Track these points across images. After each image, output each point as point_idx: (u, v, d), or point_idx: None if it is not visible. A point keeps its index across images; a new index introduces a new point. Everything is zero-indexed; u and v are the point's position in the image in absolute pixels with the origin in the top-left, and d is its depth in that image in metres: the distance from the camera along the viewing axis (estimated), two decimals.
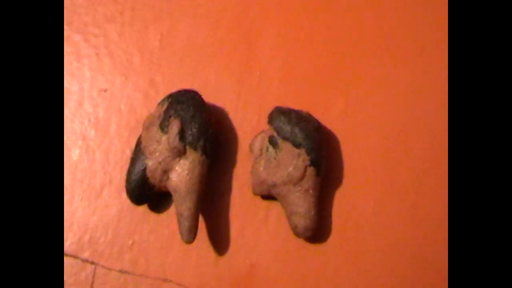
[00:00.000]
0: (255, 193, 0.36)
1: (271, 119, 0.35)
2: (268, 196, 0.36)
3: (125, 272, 0.36)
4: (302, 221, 0.34)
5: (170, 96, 0.35)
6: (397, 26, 0.40)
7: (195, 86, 0.37)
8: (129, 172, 0.35)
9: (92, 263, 0.36)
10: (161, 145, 0.34)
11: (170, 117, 0.34)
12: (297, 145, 0.34)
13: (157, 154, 0.34)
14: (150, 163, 0.34)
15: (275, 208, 0.36)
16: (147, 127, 0.35)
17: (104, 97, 0.39)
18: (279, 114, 0.35)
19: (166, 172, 0.34)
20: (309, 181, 0.34)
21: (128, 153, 0.37)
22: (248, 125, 0.38)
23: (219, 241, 0.36)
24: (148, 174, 0.34)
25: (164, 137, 0.34)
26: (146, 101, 0.39)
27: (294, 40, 0.40)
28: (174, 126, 0.34)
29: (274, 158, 0.35)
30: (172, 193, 0.34)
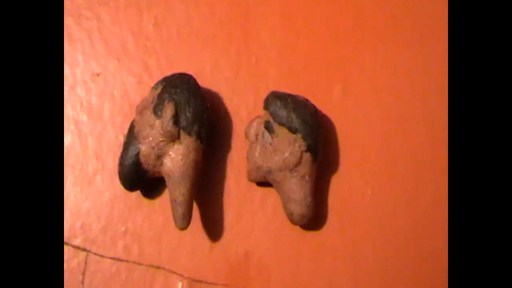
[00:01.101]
0: (250, 180, 0.35)
1: (266, 103, 0.35)
2: (263, 183, 0.36)
3: (118, 259, 0.35)
4: (298, 208, 0.34)
5: (164, 79, 0.35)
6: (396, 13, 0.39)
7: (190, 71, 0.37)
8: (122, 157, 0.34)
9: (84, 250, 0.36)
10: (154, 130, 0.33)
11: (164, 101, 0.34)
12: (293, 131, 0.33)
13: (151, 138, 0.33)
14: (144, 148, 0.34)
15: (270, 195, 0.36)
16: (140, 111, 0.34)
17: (97, 81, 0.38)
18: (275, 99, 0.34)
19: (159, 157, 0.33)
20: (305, 167, 0.34)
21: (121, 139, 0.37)
22: (244, 110, 0.37)
23: (214, 228, 0.36)
24: (142, 159, 0.34)
25: (157, 122, 0.33)
26: (139, 86, 0.38)
27: (291, 24, 0.39)
28: (168, 110, 0.33)
29: (270, 144, 0.34)
30: (166, 178, 0.34)
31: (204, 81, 0.37)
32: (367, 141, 0.37)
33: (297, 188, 0.34)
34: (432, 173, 0.36)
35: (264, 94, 0.36)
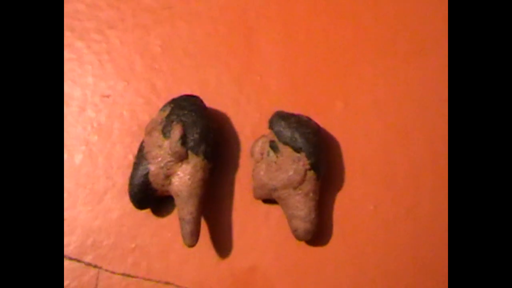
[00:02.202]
0: (256, 197, 0.36)
1: (271, 124, 0.36)
2: (269, 200, 0.37)
3: (128, 275, 0.36)
4: (302, 224, 0.35)
5: (172, 101, 0.36)
6: (396, 27, 0.40)
7: (196, 91, 0.38)
8: (132, 177, 0.35)
9: (95, 266, 0.36)
10: (163, 150, 0.35)
11: (172, 122, 0.35)
12: (297, 150, 0.35)
13: (159, 159, 0.35)
14: (153, 167, 0.35)
15: (275, 211, 0.37)
16: (149, 132, 0.35)
17: (106, 102, 0.39)
18: (279, 119, 0.35)
19: (168, 176, 0.35)
20: (309, 184, 0.35)
21: (131, 158, 0.38)
22: (249, 129, 0.38)
23: (220, 244, 0.37)
24: (151, 178, 0.35)
25: (166, 142, 0.34)
26: (148, 106, 0.39)
27: (293, 43, 0.40)
28: (176, 131, 0.34)
29: (275, 162, 0.35)
30: (174, 197, 0.35)
31: (210, 101, 0.38)
32: (369, 157, 0.38)
33: (301, 205, 0.35)
34: (434, 185, 0.37)
35: (268, 113, 0.37)
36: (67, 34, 0.40)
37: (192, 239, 0.34)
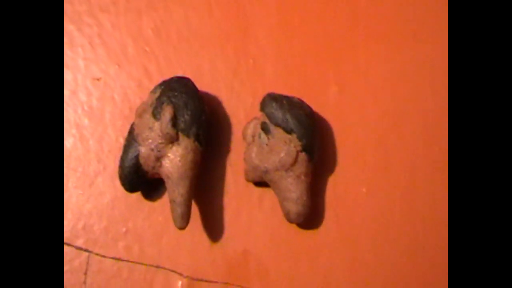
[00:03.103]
0: (248, 180, 0.36)
1: (263, 105, 0.35)
2: (261, 183, 0.36)
3: (119, 259, 0.36)
4: (294, 207, 0.34)
5: (163, 83, 0.36)
6: (391, 12, 0.40)
7: (188, 74, 0.38)
8: (122, 159, 0.35)
9: (86, 250, 0.36)
10: (153, 132, 0.34)
11: (162, 103, 0.34)
12: (288, 131, 0.34)
13: (150, 141, 0.34)
14: (143, 150, 0.34)
15: (268, 194, 0.37)
16: (140, 114, 0.35)
17: (97, 86, 0.39)
18: (271, 101, 0.35)
19: (159, 158, 0.34)
20: (301, 167, 0.34)
21: (122, 142, 0.37)
22: (241, 112, 0.38)
23: (213, 227, 0.36)
24: (141, 161, 0.34)
25: (156, 124, 0.34)
26: (139, 90, 0.39)
27: (287, 27, 0.40)
28: (167, 113, 0.34)
29: (266, 145, 0.35)
30: (165, 179, 0.34)
31: (202, 83, 0.37)
32: (362, 140, 0.38)
33: (293, 187, 0.34)
34: (428, 170, 0.37)
35: (261, 95, 0.36)
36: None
37: (183, 221, 0.33)
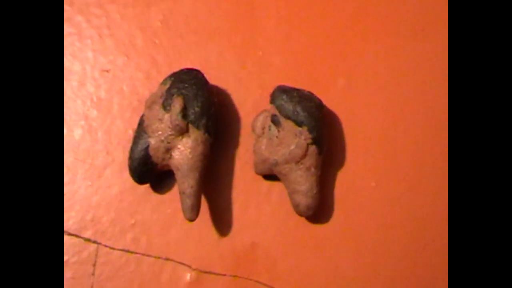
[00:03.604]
0: (257, 172, 0.36)
1: (273, 97, 0.35)
2: (270, 177, 0.36)
3: (127, 251, 0.36)
4: (304, 200, 0.34)
5: (173, 75, 0.35)
6: (398, 5, 0.40)
7: (197, 66, 0.37)
8: (132, 151, 0.35)
9: (94, 242, 0.36)
10: (163, 124, 0.34)
11: (173, 95, 0.34)
12: (299, 124, 0.34)
13: (160, 132, 0.34)
14: (153, 141, 0.34)
15: (276, 187, 0.37)
16: (149, 105, 0.35)
17: (106, 77, 0.39)
18: (281, 93, 0.35)
19: (168, 150, 0.34)
20: (311, 159, 0.34)
21: (130, 133, 0.37)
22: (250, 103, 0.38)
23: (221, 220, 0.36)
24: (151, 152, 0.34)
25: (166, 116, 0.34)
26: (148, 81, 0.39)
27: (296, 19, 0.40)
28: (177, 104, 0.34)
29: (276, 137, 0.35)
30: (175, 171, 0.34)
31: (211, 77, 0.37)
32: (370, 132, 0.38)
33: (303, 180, 0.34)
34: (435, 163, 0.37)
35: (269, 88, 0.36)
36: (66, 8, 0.40)
37: (193, 213, 0.33)
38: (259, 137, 0.35)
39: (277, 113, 0.35)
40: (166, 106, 0.34)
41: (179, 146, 0.34)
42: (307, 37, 0.39)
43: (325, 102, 0.37)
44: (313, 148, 0.34)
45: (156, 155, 0.34)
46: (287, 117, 0.34)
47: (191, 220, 0.34)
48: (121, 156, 0.37)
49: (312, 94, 0.35)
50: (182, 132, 0.34)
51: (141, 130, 0.35)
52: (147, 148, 0.34)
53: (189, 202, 0.33)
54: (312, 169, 0.34)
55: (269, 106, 0.36)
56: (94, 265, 0.36)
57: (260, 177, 0.37)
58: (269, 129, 0.35)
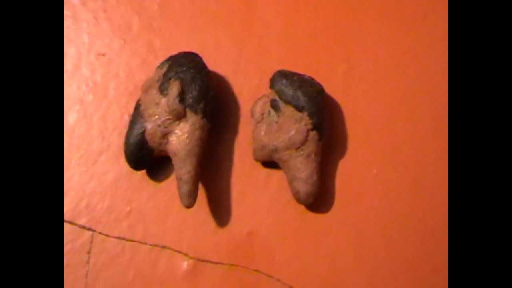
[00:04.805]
0: (256, 159, 0.35)
1: (273, 82, 0.34)
2: (269, 164, 0.36)
3: (123, 238, 0.35)
4: (304, 187, 0.34)
5: (170, 58, 0.35)
6: None
7: (194, 51, 0.37)
8: (128, 136, 0.34)
9: (89, 229, 0.36)
10: (160, 108, 0.33)
11: (170, 79, 0.33)
12: (299, 109, 0.33)
13: (156, 117, 0.33)
14: (149, 126, 0.34)
15: (275, 175, 0.36)
16: (146, 89, 0.34)
17: (102, 61, 0.38)
18: (281, 77, 0.34)
19: (165, 135, 0.33)
20: (311, 145, 0.33)
21: (127, 118, 0.36)
22: (249, 89, 0.37)
23: (218, 208, 0.36)
24: (147, 137, 0.34)
25: (163, 100, 0.33)
26: (144, 66, 0.38)
27: (295, 4, 0.39)
28: (174, 88, 0.33)
29: (276, 122, 0.34)
30: (172, 156, 0.34)
31: (209, 60, 0.36)
32: (371, 119, 0.37)
33: (303, 167, 0.33)
34: (437, 150, 0.36)
35: (268, 74, 0.36)
36: None
37: (190, 199, 0.33)
38: (258, 123, 0.35)
39: (276, 98, 0.34)
40: (163, 90, 0.33)
41: (176, 131, 0.33)
42: (306, 22, 0.39)
43: (326, 88, 0.36)
44: (313, 134, 0.33)
45: (153, 140, 0.34)
46: (287, 102, 0.34)
47: (188, 206, 0.33)
48: (117, 142, 0.36)
49: (312, 79, 0.35)
50: (179, 116, 0.33)
51: (137, 115, 0.34)
52: (143, 133, 0.34)
53: (186, 188, 0.33)
54: (313, 156, 0.34)
55: (268, 91, 0.35)
56: (89, 253, 0.35)
57: (259, 164, 0.36)
58: (269, 115, 0.34)
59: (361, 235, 0.35)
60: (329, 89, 0.37)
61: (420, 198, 0.36)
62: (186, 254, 0.35)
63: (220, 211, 0.36)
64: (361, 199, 0.36)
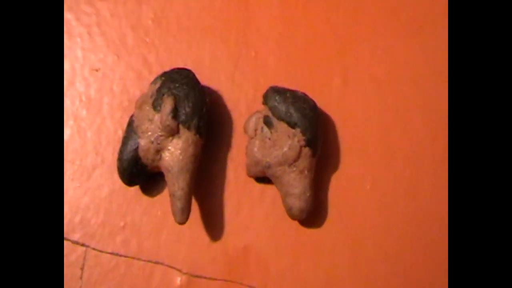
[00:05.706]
0: (249, 175, 0.35)
1: (266, 98, 0.34)
2: (263, 179, 0.36)
3: (117, 254, 0.35)
4: (297, 203, 0.34)
5: (164, 74, 0.35)
6: (395, 4, 0.39)
7: (189, 66, 0.37)
8: (121, 152, 0.34)
9: (83, 245, 0.35)
10: (153, 124, 0.33)
11: (163, 95, 0.33)
12: (292, 125, 0.33)
13: (150, 133, 0.33)
14: (143, 142, 0.33)
15: (269, 190, 0.36)
16: (139, 105, 0.34)
17: (96, 76, 0.38)
18: (274, 94, 0.34)
19: (158, 151, 0.33)
20: (304, 161, 0.33)
21: (120, 134, 0.36)
22: (243, 104, 0.37)
23: (213, 223, 0.36)
24: (141, 153, 0.34)
25: (156, 116, 0.33)
26: (138, 81, 0.38)
27: (290, 18, 0.39)
28: (167, 104, 0.33)
29: (269, 139, 0.34)
30: (165, 173, 0.34)
31: (203, 75, 0.37)
32: (366, 134, 0.37)
33: (296, 183, 0.33)
34: (432, 165, 0.36)
35: (263, 89, 0.35)
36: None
37: (183, 216, 0.33)
38: (251, 139, 0.35)
39: (269, 114, 0.34)
40: (156, 106, 0.33)
41: (169, 147, 0.33)
42: (301, 36, 0.39)
43: (320, 102, 0.36)
44: (306, 150, 0.33)
45: (146, 156, 0.34)
46: (280, 119, 0.34)
47: (181, 223, 0.33)
48: (111, 157, 0.36)
49: (305, 95, 0.35)
50: (173, 132, 0.33)
51: (130, 131, 0.34)
52: (136, 149, 0.34)
53: (179, 204, 0.33)
54: (306, 172, 0.34)
55: (262, 107, 0.35)
56: (82, 268, 0.35)
57: (253, 180, 0.36)
58: (262, 131, 0.34)
59: (356, 250, 0.35)
60: (323, 103, 0.37)
61: (415, 212, 0.36)
62: (180, 270, 0.35)
63: (214, 226, 0.36)
64: (355, 214, 0.36)
